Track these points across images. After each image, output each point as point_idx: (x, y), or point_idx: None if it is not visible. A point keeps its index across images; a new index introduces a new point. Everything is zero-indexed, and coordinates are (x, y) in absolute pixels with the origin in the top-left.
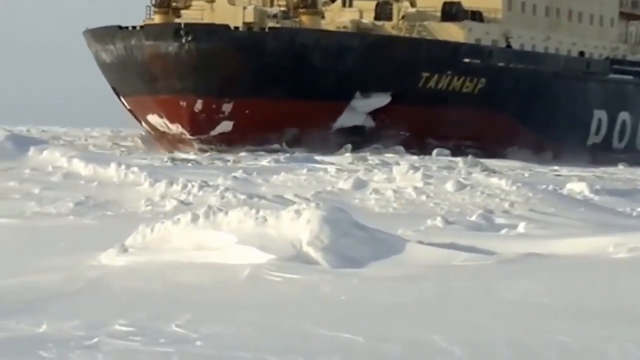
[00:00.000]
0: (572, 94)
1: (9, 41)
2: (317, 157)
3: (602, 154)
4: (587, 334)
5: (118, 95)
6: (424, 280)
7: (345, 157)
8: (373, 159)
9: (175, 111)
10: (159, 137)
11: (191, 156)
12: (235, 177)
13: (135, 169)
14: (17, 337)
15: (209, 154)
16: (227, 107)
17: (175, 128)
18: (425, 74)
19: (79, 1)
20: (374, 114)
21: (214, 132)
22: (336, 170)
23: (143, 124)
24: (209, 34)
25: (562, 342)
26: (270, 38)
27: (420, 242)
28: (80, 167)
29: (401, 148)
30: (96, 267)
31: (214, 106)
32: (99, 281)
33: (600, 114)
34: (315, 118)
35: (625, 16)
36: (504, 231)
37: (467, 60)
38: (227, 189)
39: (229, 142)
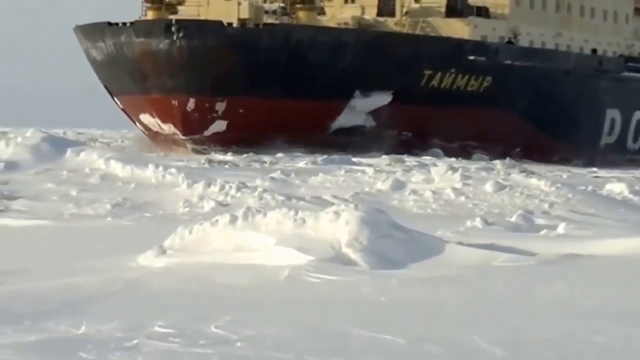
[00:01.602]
0: (584, 92)
1: (46, 46)
2: (355, 159)
3: (615, 154)
4: (627, 334)
5: (110, 94)
6: (464, 281)
7: (383, 159)
8: (410, 161)
9: (167, 111)
10: (153, 137)
11: (228, 157)
12: (273, 178)
13: (173, 170)
14: (57, 338)
15: (245, 155)
16: (220, 106)
17: (168, 128)
18: (428, 72)
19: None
20: (375, 113)
21: (207, 132)
22: (374, 171)
23: (137, 124)
24: (201, 30)
25: (602, 342)
26: (264, 34)
27: (460, 243)
28: (117, 168)
29: (439, 151)
30: (135, 268)
31: (206, 105)
32: (137, 283)
33: (613, 114)
34: (312, 118)
35: None
36: (543, 232)
37: (471, 57)
38: (265, 190)
39: (223, 142)
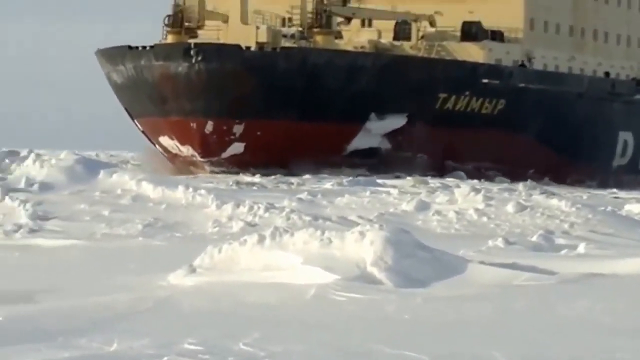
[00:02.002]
0: (597, 115)
1: (76, 68)
2: (379, 180)
3: (628, 175)
4: None
5: (131, 116)
6: (486, 299)
7: (407, 180)
8: (434, 182)
9: (186, 133)
10: (172, 159)
11: (256, 179)
12: (300, 199)
13: (203, 191)
14: (89, 355)
15: (273, 177)
16: (238, 129)
17: (186, 150)
18: (443, 95)
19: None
20: (390, 135)
21: (225, 154)
22: (398, 192)
23: (156, 145)
24: (220, 54)
25: (622, 359)
26: (282, 58)
27: (482, 263)
28: (148, 189)
29: (462, 174)
30: (165, 287)
31: (224, 128)
32: (168, 301)
33: (626, 136)
34: (328, 140)
35: None
36: (564, 252)
37: (485, 80)
38: (292, 211)
39: (240, 164)
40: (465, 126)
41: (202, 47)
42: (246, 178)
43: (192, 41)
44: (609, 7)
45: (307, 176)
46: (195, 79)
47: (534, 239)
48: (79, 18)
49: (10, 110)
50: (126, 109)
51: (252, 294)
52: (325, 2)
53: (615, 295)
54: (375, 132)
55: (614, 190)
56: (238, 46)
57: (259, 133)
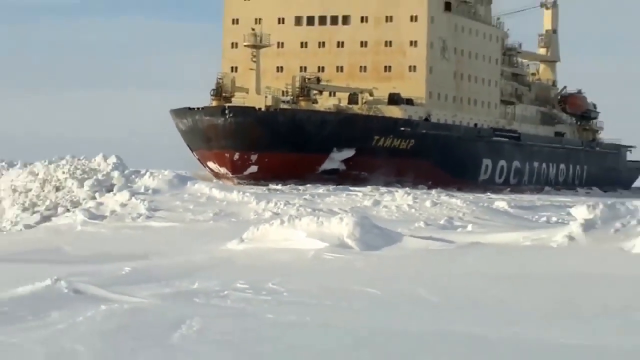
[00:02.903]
0: (469, 149)
1: (158, 120)
2: (351, 188)
3: (488, 186)
4: (511, 287)
5: (191, 150)
6: (414, 257)
7: (367, 188)
8: (383, 190)
9: (222, 160)
10: (215, 175)
11: (279, 187)
12: (305, 199)
13: (248, 194)
14: (180, 291)
15: (287, 186)
16: (253, 158)
17: (223, 170)
18: (377, 137)
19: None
20: (345, 161)
21: (246, 173)
22: (362, 195)
23: (206, 168)
24: (243, 112)
25: (495, 292)
26: (280, 115)
27: (412, 236)
28: (215, 193)
29: (399, 185)
30: (225, 250)
31: (245, 157)
32: (227, 259)
33: (487, 162)
34: (307, 164)
35: (504, 102)
36: (459, 230)
37: (402, 128)
38: (301, 205)
39: (255, 179)
40: (390, 156)
41: (232, 108)
42: (273, 186)
43: (226, 105)
44: (477, 84)
45: (308, 185)
46: (228, 127)
47: (442, 222)
48: (159, 89)
49: (132, 141)
50: (188, 145)
51: (276, 255)
52: (306, 81)
53: (491, 255)
54: (336, 159)
55: (488, 193)
56: (253, 108)
57: (266, 160)
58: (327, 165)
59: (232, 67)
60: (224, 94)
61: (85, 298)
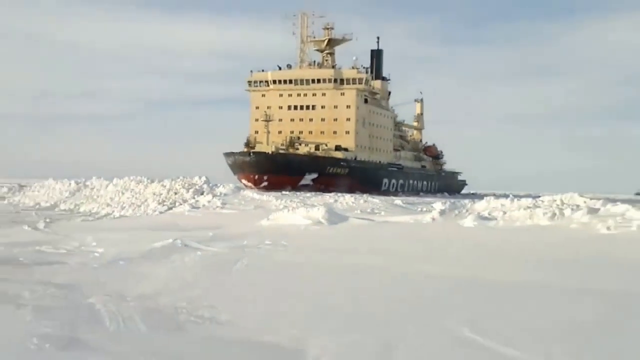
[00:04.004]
0: (376, 174)
1: (216, 157)
2: (325, 193)
3: (387, 193)
4: (398, 241)
5: (234, 174)
6: (354, 228)
7: (331, 194)
8: (339, 195)
9: (249, 179)
10: (245, 187)
11: (288, 193)
12: (302, 198)
13: (270, 196)
14: (237, 245)
15: (291, 193)
16: (265, 178)
17: (249, 184)
18: (329, 167)
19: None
20: (313, 180)
21: (261, 186)
22: (329, 196)
23: (242, 183)
24: (259, 155)
25: (403, 248)
26: (279, 156)
27: (354, 217)
28: (256, 196)
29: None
30: (259, 226)
31: (260, 178)
32: (259, 230)
33: (386, 180)
34: (294, 182)
35: (395, 150)
36: (377, 215)
37: (343, 163)
38: (299, 201)
39: (266, 189)
40: (336, 177)
41: (254, 153)
42: (286, 193)
43: (251, 151)
44: (380, 140)
45: (303, 191)
46: (252, 162)
47: (368, 210)
48: (217, 142)
49: (209, 168)
50: (232, 171)
51: (285, 228)
52: (292, 139)
53: (394, 226)
54: (307, 179)
55: (393, 197)
56: (265, 152)
57: (272, 179)
58: (303, 182)
59: (255, 131)
60: (250, 145)
61: (189, 249)
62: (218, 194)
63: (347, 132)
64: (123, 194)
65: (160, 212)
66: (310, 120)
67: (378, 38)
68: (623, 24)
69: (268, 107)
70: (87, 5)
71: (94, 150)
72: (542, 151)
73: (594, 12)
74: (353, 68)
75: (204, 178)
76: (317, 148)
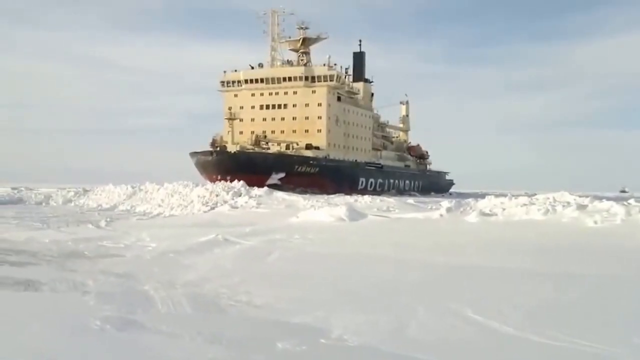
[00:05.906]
0: (352, 173)
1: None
2: (349, 195)
3: (363, 192)
4: (413, 234)
5: (200, 173)
6: (373, 224)
7: (350, 195)
8: (358, 196)
9: (212, 179)
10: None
11: (307, 194)
12: (326, 199)
13: (300, 196)
14: (270, 239)
15: (311, 194)
16: (228, 178)
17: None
18: (297, 166)
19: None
20: (280, 179)
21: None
22: (349, 197)
23: (206, 182)
24: (222, 153)
25: (413, 242)
26: (243, 155)
27: (373, 215)
28: (285, 197)
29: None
30: (289, 222)
31: (223, 178)
32: (288, 225)
33: (362, 179)
34: (261, 181)
35: (374, 149)
36: (392, 213)
37: (312, 162)
38: (324, 201)
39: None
40: (305, 176)
41: (216, 152)
42: (310, 194)
43: (213, 150)
44: (356, 139)
45: (325, 194)
46: (215, 162)
47: (384, 209)
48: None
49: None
50: (198, 171)
51: (311, 225)
52: (259, 137)
53: (408, 222)
54: (275, 178)
55: (411, 194)
56: (228, 152)
57: (236, 179)
58: (270, 182)
59: (228, 131)
60: (215, 145)
61: (229, 242)
62: (253, 195)
63: (319, 131)
64: (172, 196)
65: (204, 212)
66: (282, 119)
67: (360, 41)
68: (593, 48)
69: (240, 107)
70: (137, 33)
71: (147, 159)
72: (535, 155)
73: (568, 38)
74: (324, 65)
75: (241, 183)
76: (288, 147)
